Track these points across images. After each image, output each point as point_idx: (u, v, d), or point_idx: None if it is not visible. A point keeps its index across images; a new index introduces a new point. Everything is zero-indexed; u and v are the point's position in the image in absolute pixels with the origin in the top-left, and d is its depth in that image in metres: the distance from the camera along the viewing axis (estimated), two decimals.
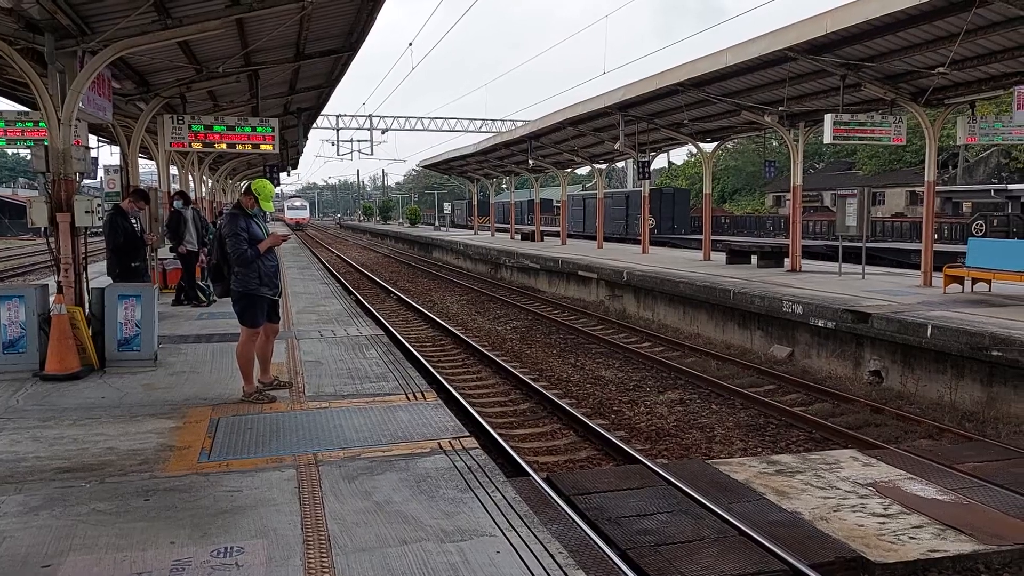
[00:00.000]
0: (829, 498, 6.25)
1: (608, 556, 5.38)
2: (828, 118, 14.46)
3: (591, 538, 5.67)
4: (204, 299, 12.86)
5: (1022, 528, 5.67)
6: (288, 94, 16.05)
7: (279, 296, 7.09)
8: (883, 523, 5.75)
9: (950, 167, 50.01)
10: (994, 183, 42.40)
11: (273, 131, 11.90)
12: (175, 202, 12.80)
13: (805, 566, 5.07)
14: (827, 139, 14.77)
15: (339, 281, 22.85)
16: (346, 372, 8.05)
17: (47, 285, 8.56)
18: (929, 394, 10.27)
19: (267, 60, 11.76)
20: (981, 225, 29.05)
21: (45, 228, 8.18)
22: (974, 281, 13.45)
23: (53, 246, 8.19)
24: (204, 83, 11.99)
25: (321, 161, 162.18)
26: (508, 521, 4.13)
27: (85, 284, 8.49)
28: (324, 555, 3.77)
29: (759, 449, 8.41)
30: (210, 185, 30.91)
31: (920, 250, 16.50)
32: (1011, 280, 12.51)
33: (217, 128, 11.79)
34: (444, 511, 4.30)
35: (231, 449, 5.55)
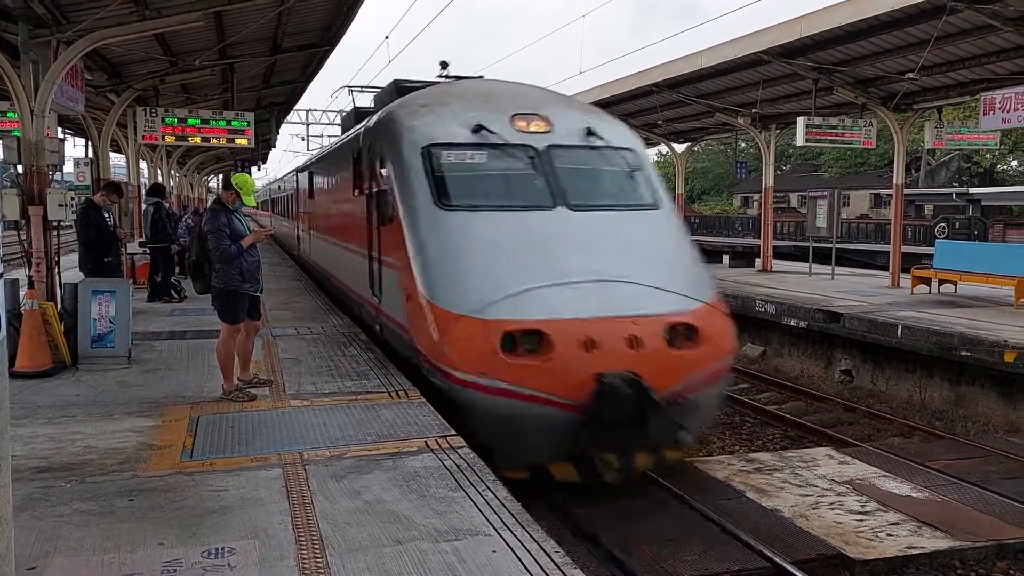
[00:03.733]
0: (807, 495, 6.36)
1: (594, 555, 5.42)
2: (801, 121, 14.69)
3: (576, 536, 5.71)
4: (176, 296, 12.65)
5: (995, 525, 5.82)
6: (262, 88, 15.85)
7: (261, 292, 7.01)
8: (861, 520, 5.87)
9: (912, 171, 51.05)
10: (955, 187, 43.44)
11: (249, 125, 11.76)
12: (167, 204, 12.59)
13: (788, 563, 5.15)
14: (799, 141, 15.02)
15: (312, 277, 22.60)
16: (326, 369, 7.98)
17: (17, 279, 8.36)
18: (899, 393, 10.49)
19: (243, 53, 11.60)
20: (943, 228, 29.72)
21: (16, 221, 7.99)
22: (941, 282, 13.76)
23: (24, 240, 8.00)
24: (178, 75, 11.79)
25: (291, 155, 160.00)
26: (501, 520, 4.13)
27: (57, 279, 8.31)
28: (318, 555, 3.74)
29: (736, 447, 8.53)
30: (177, 179, 30.42)
31: (886, 251, 16.84)
32: (977, 282, 12.82)
33: (191, 121, 11.60)
34: (436, 510, 4.29)
35: (214, 448, 5.46)
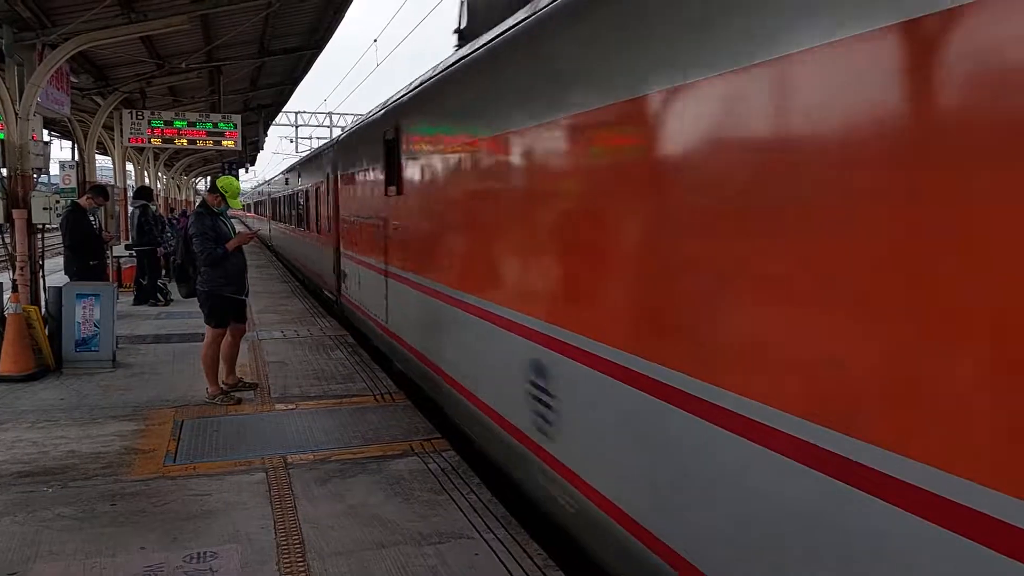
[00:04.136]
0: None
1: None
2: None
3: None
4: (162, 299, 12.60)
5: None
6: (249, 90, 15.83)
7: (246, 296, 7.00)
8: None
9: None
10: None
11: (236, 127, 11.74)
12: (151, 205, 12.56)
13: None
14: None
15: (299, 280, 22.57)
16: (312, 373, 7.98)
17: (0, 283, 8.32)
18: None
19: (231, 56, 11.58)
20: None
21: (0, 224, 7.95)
22: None
23: (8, 243, 7.96)
24: (165, 78, 11.75)
25: (279, 158, 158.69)
26: (485, 523, 4.14)
27: (41, 282, 8.26)
28: (300, 559, 3.74)
29: None
30: (164, 182, 30.25)
31: None
32: None
33: (177, 124, 11.57)
34: (420, 513, 4.30)
35: (197, 452, 5.45)
